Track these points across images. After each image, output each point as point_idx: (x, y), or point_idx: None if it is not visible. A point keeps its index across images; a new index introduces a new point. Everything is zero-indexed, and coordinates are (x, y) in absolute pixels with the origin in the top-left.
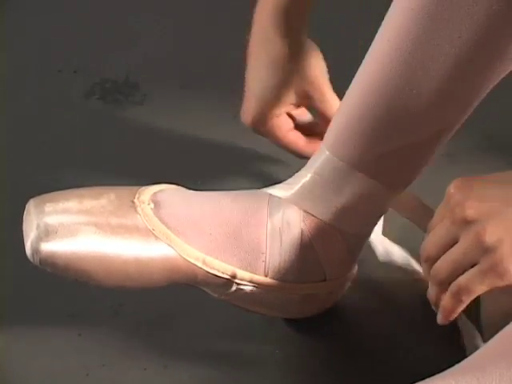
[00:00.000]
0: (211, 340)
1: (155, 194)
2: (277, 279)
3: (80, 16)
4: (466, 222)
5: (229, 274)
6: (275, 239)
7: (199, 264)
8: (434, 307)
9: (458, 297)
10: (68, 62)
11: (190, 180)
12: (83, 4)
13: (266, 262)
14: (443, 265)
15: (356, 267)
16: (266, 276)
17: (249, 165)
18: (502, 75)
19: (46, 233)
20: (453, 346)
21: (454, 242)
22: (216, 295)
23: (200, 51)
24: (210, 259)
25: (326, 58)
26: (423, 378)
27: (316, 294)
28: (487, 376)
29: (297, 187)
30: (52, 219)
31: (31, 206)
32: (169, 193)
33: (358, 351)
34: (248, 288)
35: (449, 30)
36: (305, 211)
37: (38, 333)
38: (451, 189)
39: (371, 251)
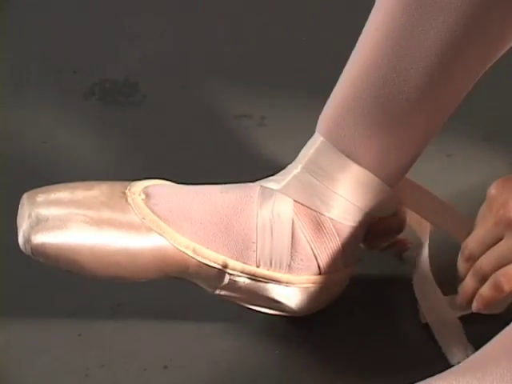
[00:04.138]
0: (211, 340)
1: (147, 187)
2: (269, 270)
3: (80, 16)
4: (511, 223)
5: (220, 263)
6: (266, 229)
7: (190, 253)
8: (461, 299)
9: (500, 287)
10: (68, 63)
11: (190, 179)
12: (83, 4)
13: (256, 252)
14: (488, 261)
15: (355, 266)
16: (257, 266)
17: (249, 164)
18: (490, 61)
19: (37, 222)
20: None
21: (497, 241)
22: (211, 290)
23: (200, 51)
24: (200, 248)
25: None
26: (423, 378)
27: (312, 288)
28: (488, 376)
29: (288, 178)
30: (43, 209)
31: (24, 198)
32: (160, 186)
33: (358, 351)
34: (241, 280)
35: (433, 15)
36: (296, 201)
37: (38, 333)
38: (492, 190)
39: (370, 251)
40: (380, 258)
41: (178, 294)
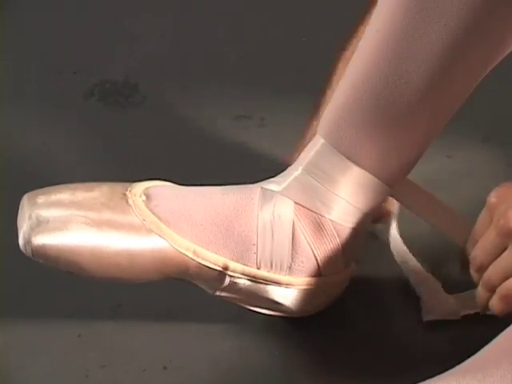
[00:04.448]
0: (211, 340)
1: (147, 188)
2: (269, 272)
3: (80, 16)
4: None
5: (220, 265)
6: (266, 231)
7: (190, 254)
8: (480, 304)
9: (507, 299)
10: (68, 63)
11: (190, 180)
12: (83, 4)
13: (257, 254)
14: (495, 272)
15: (354, 267)
16: (258, 268)
17: (249, 165)
18: (491, 64)
19: (38, 223)
20: (454, 346)
21: (501, 251)
22: (211, 291)
23: (200, 51)
24: (200, 249)
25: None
26: (424, 379)
27: (312, 289)
28: (488, 378)
29: (289, 180)
30: (44, 210)
31: (25, 200)
32: (160, 187)
33: (358, 352)
34: (241, 281)
35: (434, 18)
36: (296, 203)
37: (38, 333)
38: (492, 198)
39: (370, 251)
40: (380, 259)
41: (178, 294)
